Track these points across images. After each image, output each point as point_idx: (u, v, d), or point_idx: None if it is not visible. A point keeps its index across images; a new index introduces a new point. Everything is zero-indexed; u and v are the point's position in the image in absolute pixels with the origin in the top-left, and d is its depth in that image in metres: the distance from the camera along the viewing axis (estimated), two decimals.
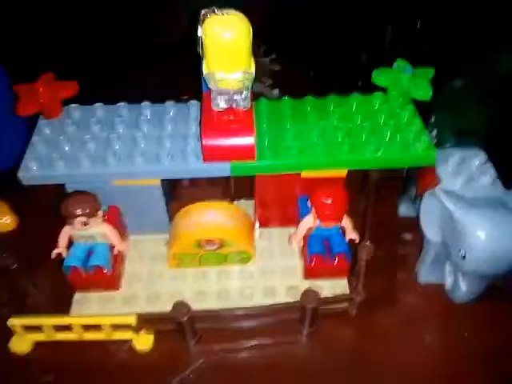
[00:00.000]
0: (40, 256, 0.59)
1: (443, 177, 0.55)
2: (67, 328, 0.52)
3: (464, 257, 0.50)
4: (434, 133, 0.69)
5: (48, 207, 0.65)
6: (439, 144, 0.67)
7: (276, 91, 0.87)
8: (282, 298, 0.56)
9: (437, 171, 0.55)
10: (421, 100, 0.54)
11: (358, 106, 0.56)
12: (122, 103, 0.56)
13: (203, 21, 0.42)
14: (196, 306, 0.53)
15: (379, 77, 0.55)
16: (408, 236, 0.65)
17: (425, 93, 0.53)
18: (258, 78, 0.47)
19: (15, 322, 0.51)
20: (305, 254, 0.57)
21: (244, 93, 0.46)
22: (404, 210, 0.66)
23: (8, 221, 0.66)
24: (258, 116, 0.54)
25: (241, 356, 0.54)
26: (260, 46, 0.88)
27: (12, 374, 0.53)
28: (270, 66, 0.91)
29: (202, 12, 0.42)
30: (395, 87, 0.55)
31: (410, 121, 0.55)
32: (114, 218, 0.56)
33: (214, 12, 0.41)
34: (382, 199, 0.67)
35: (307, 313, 0.54)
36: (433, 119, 0.71)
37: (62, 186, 0.54)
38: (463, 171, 0.55)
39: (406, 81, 0.54)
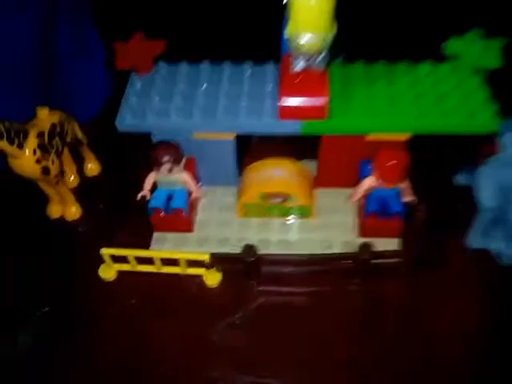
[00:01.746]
0: (122, 200, 0.67)
1: (508, 145, 0.57)
2: (148, 261, 0.60)
3: None
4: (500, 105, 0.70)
5: (128, 156, 0.73)
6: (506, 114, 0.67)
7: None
8: (338, 251, 0.60)
9: (501, 139, 0.57)
10: (491, 68, 0.56)
11: (427, 74, 0.59)
12: (205, 62, 0.61)
13: None
14: (259, 251, 0.59)
15: (452, 45, 0.57)
16: (461, 204, 0.67)
17: (495, 60, 0.55)
18: None
19: (105, 251, 0.58)
20: (362, 212, 0.61)
21: (323, 54, 0.49)
22: (460, 178, 0.68)
23: (92, 167, 0.73)
24: (331, 78, 0.57)
25: (296, 299, 0.60)
26: None
27: (100, 296, 0.60)
28: None
29: None
30: (467, 56, 0.57)
31: (477, 89, 0.57)
32: (192, 168, 0.62)
33: None
34: (439, 165, 0.69)
35: (360, 264, 0.58)
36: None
37: (146, 137, 0.60)
38: None
39: (478, 50, 0.55)
